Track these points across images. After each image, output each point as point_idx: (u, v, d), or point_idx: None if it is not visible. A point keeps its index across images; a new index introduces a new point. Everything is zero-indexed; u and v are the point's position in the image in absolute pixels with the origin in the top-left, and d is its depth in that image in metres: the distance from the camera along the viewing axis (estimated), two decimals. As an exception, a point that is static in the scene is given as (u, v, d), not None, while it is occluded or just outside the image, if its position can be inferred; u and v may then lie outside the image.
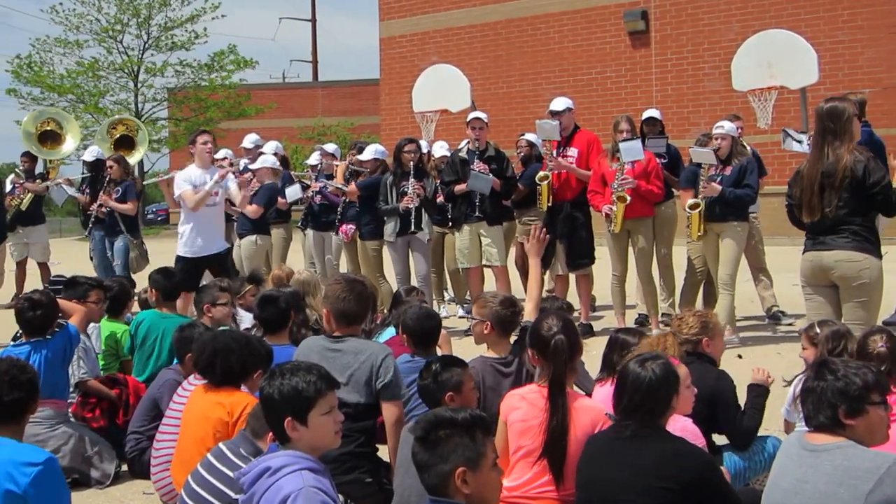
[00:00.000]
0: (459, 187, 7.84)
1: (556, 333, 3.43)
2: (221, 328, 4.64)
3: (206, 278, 7.11)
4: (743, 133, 7.78)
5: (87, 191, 9.55)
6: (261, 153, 9.14)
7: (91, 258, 9.42)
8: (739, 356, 6.52)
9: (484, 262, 7.91)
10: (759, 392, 4.09)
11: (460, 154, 8.04)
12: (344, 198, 8.58)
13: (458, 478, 2.44)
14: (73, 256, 8.71)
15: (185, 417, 3.94)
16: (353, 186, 8.29)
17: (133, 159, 10.29)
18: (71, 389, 4.85)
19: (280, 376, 2.80)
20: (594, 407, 3.51)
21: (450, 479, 2.45)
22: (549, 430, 3.34)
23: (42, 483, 2.86)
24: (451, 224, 8.13)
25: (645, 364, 3.07)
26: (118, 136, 10.04)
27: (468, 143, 7.98)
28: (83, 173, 9.86)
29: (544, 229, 4.67)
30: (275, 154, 9.27)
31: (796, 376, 4.29)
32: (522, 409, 3.47)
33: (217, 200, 7.31)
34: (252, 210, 8.33)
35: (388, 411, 3.84)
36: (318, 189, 8.80)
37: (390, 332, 5.30)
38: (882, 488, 2.62)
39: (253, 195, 8.36)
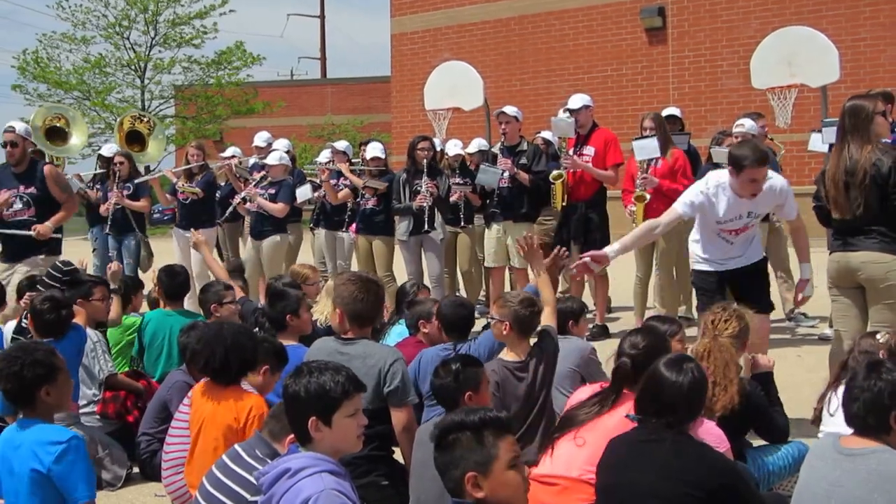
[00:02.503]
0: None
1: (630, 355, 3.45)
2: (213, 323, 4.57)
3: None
4: (768, 132, 7.66)
5: (100, 186, 9.48)
6: (274, 150, 9.05)
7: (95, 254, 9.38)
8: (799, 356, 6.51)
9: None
10: (769, 380, 4.06)
11: (493, 150, 7.95)
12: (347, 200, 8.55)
13: (468, 482, 2.42)
14: (78, 254, 8.61)
15: (192, 420, 3.87)
16: (385, 184, 8.18)
17: (151, 153, 10.22)
18: (98, 387, 4.87)
19: (308, 374, 2.76)
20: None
21: (462, 483, 2.43)
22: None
23: (65, 460, 2.95)
24: (484, 221, 8.03)
25: (681, 366, 3.00)
26: (127, 130, 9.96)
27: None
28: (96, 169, 9.80)
29: (533, 236, 4.59)
30: (287, 152, 9.21)
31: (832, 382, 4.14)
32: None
33: None
34: (279, 209, 8.30)
35: (397, 417, 3.79)
36: (360, 187, 8.59)
37: (402, 331, 5.22)
38: None
39: (274, 194, 8.32)
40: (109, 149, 9.88)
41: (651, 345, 3.55)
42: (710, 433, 3.34)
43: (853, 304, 4.74)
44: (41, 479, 2.95)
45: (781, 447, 3.99)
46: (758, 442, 4.05)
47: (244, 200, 8.49)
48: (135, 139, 9.84)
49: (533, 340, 4.15)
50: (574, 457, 3.39)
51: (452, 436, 2.46)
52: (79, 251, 9.08)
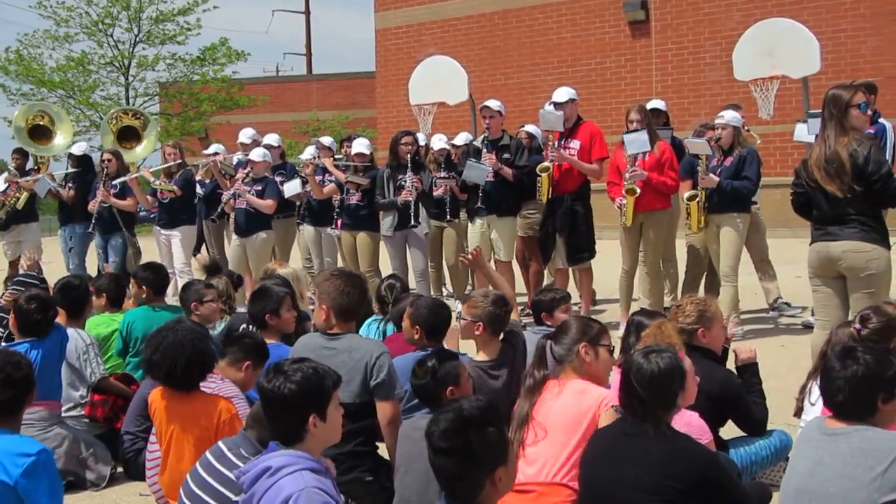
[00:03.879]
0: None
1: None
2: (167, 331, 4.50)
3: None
4: (745, 123, 7.68)
5: (72, 185, 9.42)
6: (265, 145, 9.02)
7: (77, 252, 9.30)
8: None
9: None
10: (754, 372, 4.06)
11: (475, 144, 7.93)
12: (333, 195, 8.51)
13: (497, 480, 2.31)
14: (55, 253, 8.65)
15: (158, 430, 3.81)
16: (368, 180, 8.18)
17: (140, 152, 10.15)
18: (88, 390, 4.81)
19: (294, 372, 2.68)
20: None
21: (486, 482, 2.31)
22: None
23: (33, 474, 2.86)
24: (467, 216, 8.01)
25: (649, 357, 3.00)
26: (122, 125, 9.88)
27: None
28: (68, 168, 9.74)
29: (476, 249, 4.68)
30: (277, 147, 9.18)
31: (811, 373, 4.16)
32: None
33: None
34: (269, 205, 8.29)
35: (383, 411, 3.76)
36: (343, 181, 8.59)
37: (375, 327, 5.23)
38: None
39: (261, 190, 8.30)
40: (80, 147, 9.83)
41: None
42: (693, 425, 3.34)
43: (834, 294, 4.76)
44: (6, 490, 2.88)
45: (763, 437, 3.99)
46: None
47: (234, 197, 8.45)
48: (127, 136, 9.76)
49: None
50: (544, 458, 3.36)
51: (464, 438, 2.31)
52: (53, 250, 9.05)
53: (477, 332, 4.05)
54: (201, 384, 3.85)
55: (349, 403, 3.63)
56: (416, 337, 4.25)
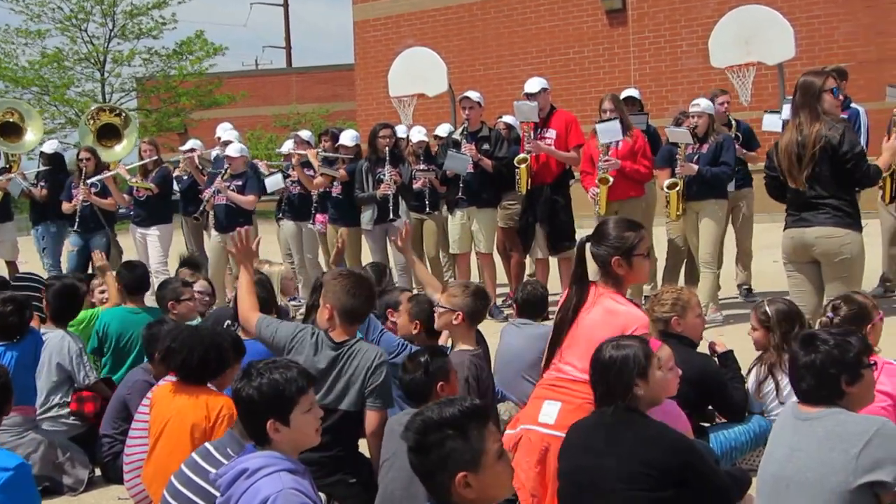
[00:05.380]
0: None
1: None
2: (187, 324, 4.51)
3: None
4: (730, 108, 7.70)
5: (44, 184, 9.31)
6: (232, 142, 8.95)
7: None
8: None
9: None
10: (731, 358, 4.11)
11: (454, 136, 7.91)
12: (322, 187, 8.45)
13: (459, 484, 2.24)
14: (30, 251, 8.61)
15: (154, 420, 3.78)
16: (343, 172, 8.14)
17: (120, 151, 10.03)
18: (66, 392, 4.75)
19: (258, 375, 2.68)
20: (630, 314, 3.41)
21: (451, 486, 2.26)
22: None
23: (12, 489, 2.79)
24: (447, 208, 8.00)
25: (608, 346, 3.04)
26: (101, 123, 9.76)
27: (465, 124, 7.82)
28: (39, 166, 9.62)
29: (406, 227, 4.65)
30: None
31: (752, 367, 4.23)
32: None
33: None
34: (250, 200, 8.23)
35: (371, 418, 3.66)
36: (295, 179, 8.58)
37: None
38: (869, 449, 2.66)
39: (242, 186, 8.23)
40: (51, 145, 9.73)
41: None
42: (669, 412, 3.35)
43: (808, 280, 4.81)
44: None
45: (744, 422, 4.04)
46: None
47: (215, 194, 8.38)
48: (107, 134, 9.63)
49: None
50: (575, 359, 3.40)
51: (434, 436, 2.26)
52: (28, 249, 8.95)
53: (455, 322, 4.04)
54: None
55: (345, 411, 3.62)
56: (415, 332, 4.23)
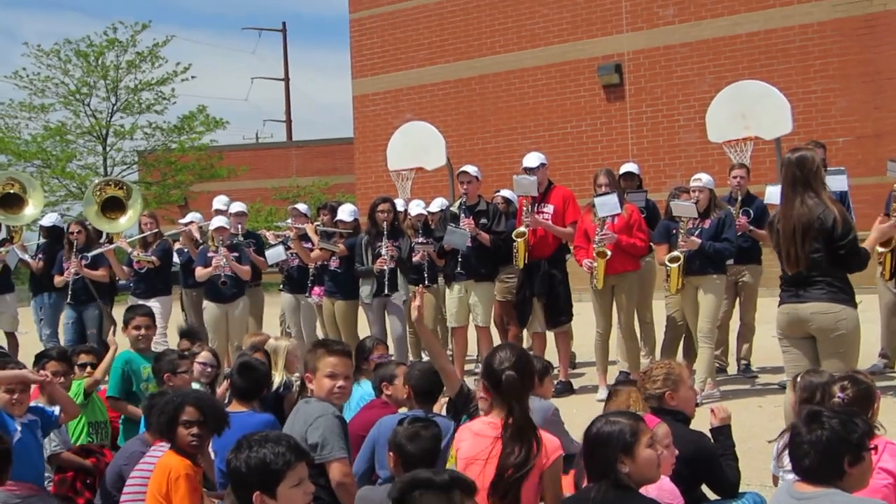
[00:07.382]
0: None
1: (507, 369, 3.36)
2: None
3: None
4: (743, 182, 7.48)
5: (42, 256, 9.33)
6: (238, 212, 9.02)
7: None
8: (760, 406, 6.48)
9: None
10: (727, 433, 4.04)
11: (452, 209, 7.92)
12: (320, 260, 8.43)
13: None
14: (29, 324, 8.49)
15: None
16: (342, 247, 8.14)
17: (124, 223, 10.02)
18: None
19: (248, 448, 2.72)
20: (552, 441, 3.39)
21: None
22: (502, 466, 3.23)
23: None
24: (445, 281, 7.98)
25: (600, 421, 3.01)
26: (106, 196, 9.78)
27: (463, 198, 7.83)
28: (39, 239, 9.64)
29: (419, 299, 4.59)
30: (243, 213, 9.16)
31: (782, 433, 4.14)
32: (468, 441, 3.39)
33: None
34: (247, 271, 8.32)
35: (329, 472, 3.67)
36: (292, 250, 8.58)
37: (363, 393, 5.09)
38: None
39: (238, 257, 8.25)
40: (49, 218, 9.78)
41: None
42: (664, 489, 3.30)
43: (804, 355, 4.74)
44: None
45: (738, 499, 3.92)
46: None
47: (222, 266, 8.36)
48: (111, 206, 9.63)
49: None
50: None
51: (418, 492, 2.35)
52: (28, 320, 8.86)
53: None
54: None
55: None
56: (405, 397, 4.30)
